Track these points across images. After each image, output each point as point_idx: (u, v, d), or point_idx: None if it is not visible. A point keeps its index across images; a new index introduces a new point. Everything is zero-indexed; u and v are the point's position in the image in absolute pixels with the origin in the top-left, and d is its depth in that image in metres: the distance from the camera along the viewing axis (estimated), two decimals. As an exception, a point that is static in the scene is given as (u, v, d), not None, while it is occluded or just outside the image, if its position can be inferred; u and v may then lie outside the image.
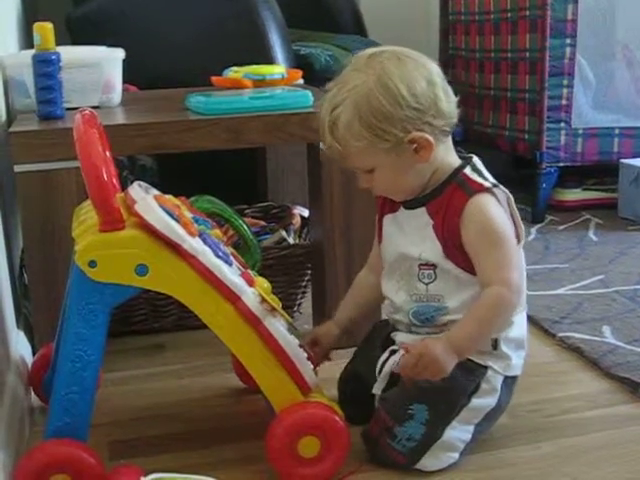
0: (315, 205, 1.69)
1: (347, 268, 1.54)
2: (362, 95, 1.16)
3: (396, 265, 1.28)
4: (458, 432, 1.23)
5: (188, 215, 1.21)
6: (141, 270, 1.12)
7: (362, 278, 1.39)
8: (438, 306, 1.24)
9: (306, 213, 1.95)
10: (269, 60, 2.11)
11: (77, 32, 2.19)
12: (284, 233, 1.91)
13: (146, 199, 1.15)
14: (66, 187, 1.44)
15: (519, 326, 1.28)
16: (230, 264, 1.19)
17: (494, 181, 1.24)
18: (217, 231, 1.28)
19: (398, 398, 1.23)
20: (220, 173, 2.09)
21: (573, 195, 2.67)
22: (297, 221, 1.98)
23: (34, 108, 1.55)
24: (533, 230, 2.47)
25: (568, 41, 2.46)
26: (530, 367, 1.40)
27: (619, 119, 2.57)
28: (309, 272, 1.81)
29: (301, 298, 1.86)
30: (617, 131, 2.56)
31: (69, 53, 1.59)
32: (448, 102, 1.20)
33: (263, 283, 1.23)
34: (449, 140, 1.24)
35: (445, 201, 1.21)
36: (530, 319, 1.72)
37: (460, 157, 1.26)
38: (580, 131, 2.53)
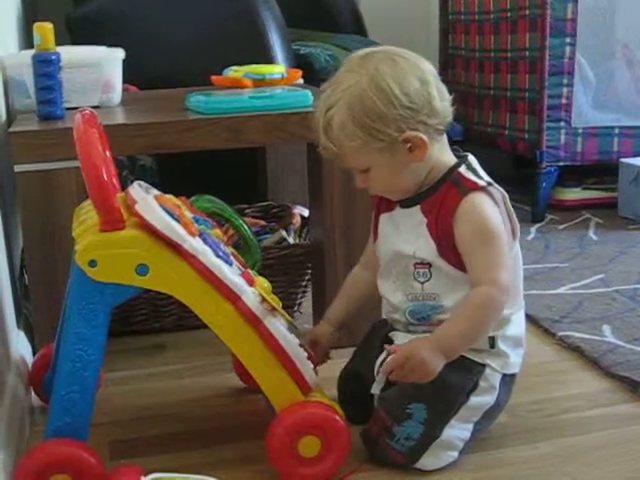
0: (315, 205, 1.69)
1: (347, 268, 1.54)
2: (355, 95, 1.17)
3: (391, 264, 1.28)
4: (457, 431, 1.24)
5: (188, 215, 1.21)
6: (141, 270, 1.12)
7: (356, 274, 1.40)
8: (434, 305, 1.24)
9: (306, 213, 1.95)
10: (269, 60, 2.11)
11: (77, 32, 2.19)
12: (284, 233, 1.91)
13: (146, 199, 1.15)
14: (66, 187, 1.44)
15: (517, 324, 1.28)
16: (230, 264, 1.19)
17: (489, 180, 1.24)
18: (217, 231, 1.28)
19: (396, 397, 1.23)
20: (220, 173, 2.09)
21: (573, 194, 2.67)
22: (297, 221, 1.98)
23: (34, 108, 1.55)
24: (533, 229, 2.47)
25: (568, 40, 2.46)
26: (530, 366, 1.40)
27: (619, 118, 2.58)
28: (309, 272, 1.81)
29: (301, 298, 1.86)
30: (617, 130, 2.56)
31: (69, 53, 1.59)
32: (442, 101, 1.20)
33: (263, 283, 1.23)
34: (444, 139, 1.24)
35: (439, 199, 1.22)
36: (530, 318, 1.73)
37: (456, 156, 1.26)
38: (580, 130, 2.53)
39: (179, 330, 1.77)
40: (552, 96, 2.48)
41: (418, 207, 1.24)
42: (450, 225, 1.20)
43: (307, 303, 1.83)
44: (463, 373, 1.23)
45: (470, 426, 1.25)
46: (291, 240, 1.91)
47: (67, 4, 2.37)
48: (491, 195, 1.21)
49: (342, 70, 1.21)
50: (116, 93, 1.70)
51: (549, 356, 1.63)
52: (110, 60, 1.69)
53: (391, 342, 1.29)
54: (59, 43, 1.55)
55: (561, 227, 2.50)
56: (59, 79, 1.52)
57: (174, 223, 1.13)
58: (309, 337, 1.35)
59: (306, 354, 1.20)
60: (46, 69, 1.50)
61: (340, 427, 1.19)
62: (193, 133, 1.50)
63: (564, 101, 2.49)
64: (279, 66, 1.86)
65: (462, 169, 1.23)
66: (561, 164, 2.54)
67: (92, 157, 1.09)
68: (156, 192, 1.25)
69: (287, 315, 1.24)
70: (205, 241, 1.16)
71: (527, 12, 2.51)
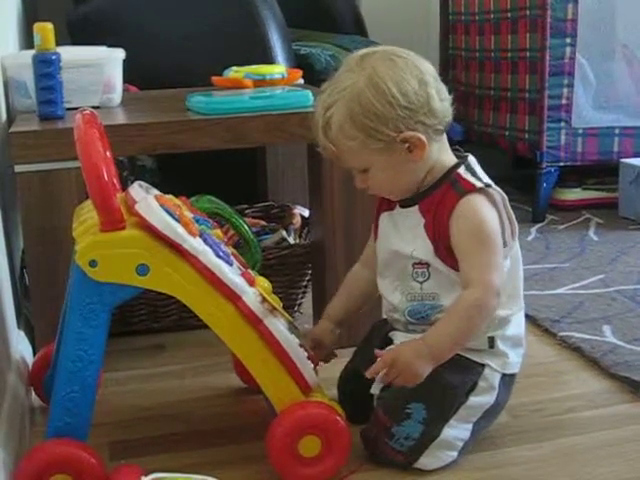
0: (315, 205, 1.69)
1: (348, 268, 1.54)
2: (353, 95, 1.17)
3: (390, 263, 1.28)
4: (456, 431, 1.24)
5: (189, 215, 1.21)
6: (142, 270, 1.12)
7: (356, 272, 1.40)
8: (433, 304, 1.24)
9: (306, 213, 1.95)
10: (269, 60, 2.11)
11: (77, 32, 2.19)
12: (284, 233, 1.91)
13: (147, 199, 1.15)
14: (66, 187, 1.44)
15: (516, 324, 1.28)
16: (231, 264, 1.19)
17: (488, 181, 1.23)
18: (218, 231, 1.28)
19: (395, 397, 1.23)
20: (220, 173, 2.09)
21: (573, 195, 2.68)
22: (297, 221, 1.98)
23: (34, 108, 1.55)
24: (533, 230, 2.47)
25: (568, 41, 2.46)
26: (530, 366, 1.40)
27: (619, 119, 2.58)
28: (309, 272, 1.81)
29: (301, 298, 1.86)
30: (617, 131, 2.56)
31: (69, 53, 1.59)
32: (441, 101, 1.20)
33: (264, 283, 1.23)
34: (443, 139, 1.24)
35: (437, 200, 1.22)
36: (530, 319, 1.73)
37: (456, 156, 1.26)
38: (580, 131, 2.53)
39: (179, 330, 1.77)
40: (552, 96, 2.48)
41: (417, 207, 1.24)
42: (446, 226, 1.20)
43: (307, 303, 1.83)
44: (462, 373, 1.23)
45: (469, 426, 1.25)
46: (291, 240, 1.91)
47: (67, 4, 2.37)
48: (489, 197, 1.21)
49: (341, 70, 1.21)
50: (116, 93, 1.70)
51: (549, 356, 1.63)
52: (110, 60, 1.69)
53: (391, 342, 1.29)
54: (59, 43, 1.55)
55: (561, 227, 2.50)
56: (59, 79, 1.52)
57: (174, 223, 1.13)
58: (311, 337, 1.35)
59: (306, 354, 1.20)
60: (46, 69, 1.50)
61: (340, 427, 1.19)
62: (193, 133, 1.50)
63: (564, 101, 2.49)
64: (279, 66, 1.86)
65: (461, 170, 1.23)
66: (561, 164, 2.54)
67: (92, 157, 1.09)
68: (156, 192, 1.25)
69: (287, 315, 1.24)
70: (205, 241, 1.16)
71: (527, 12, 2.51)
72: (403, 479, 1.22)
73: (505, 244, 1.22)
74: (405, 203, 1.26)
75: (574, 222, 2.54)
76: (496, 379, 1.25)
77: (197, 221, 1.22)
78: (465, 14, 2.89)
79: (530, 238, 2.39)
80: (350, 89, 1.17)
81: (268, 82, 1.74)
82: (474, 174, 1.23)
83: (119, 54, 1.71)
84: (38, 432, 1.33)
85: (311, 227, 1.81)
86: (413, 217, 1.24)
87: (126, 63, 1.72)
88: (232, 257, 1.23)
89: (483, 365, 1.25)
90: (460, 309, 1.18)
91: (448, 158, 1.25)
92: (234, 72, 1.78)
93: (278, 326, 1.17)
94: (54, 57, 1.51)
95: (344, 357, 1.40)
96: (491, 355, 1.25)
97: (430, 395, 1.21)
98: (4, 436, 1.17)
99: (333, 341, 1.36)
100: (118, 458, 1.28)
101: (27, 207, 1.45)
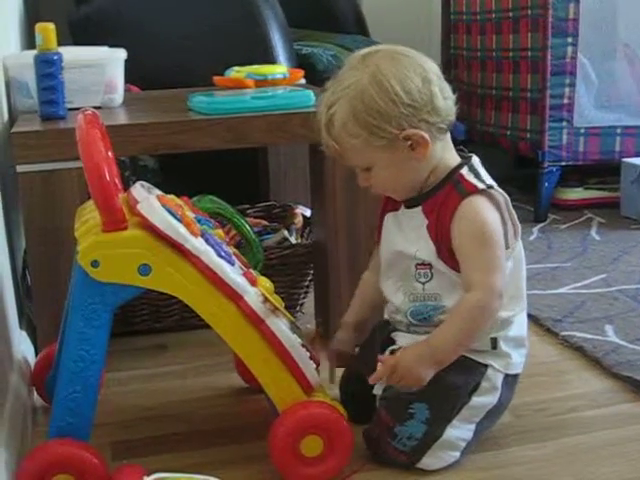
0: (317, 204, 1.69)
1: (350, 267, 1.54)
2: (357, 93, 1.17)
3: (393, 263, 1.28)
4: (459, 431, 1.24)
5: (190, 215, 1.21)
6: (144, 270, 1.12)
7: (366, 279, 1.40)
8: (435, 305, 1.24)
9: (308, 212, 1.95)
10: (271, 60, 2.11)
11: (79, 32, 2.19)
12: (286, 233, 1.91)
13: (149, 199, 1.15)
14: (68, 187, 1.44)
15: (519, 325, 1.28)
16: (232, 264, 1.19)
17: (491, 182, 1.23)
18: (219, 231, 1.28)
19: (398, 397, 1.23)
20: (222, 173, 2.08)
21: (575, 194, 2.67)
22: (299, 221, 1.98)
23: (36, 108, 1.55)
24: (535, 229, 2.47)
25: (570, 40, 2.46)
26: (532, 366, 1.40)
27: (621, 118, 2.57)
28: (311, 272, 1.81)
29: (303, 298, 1.86)
30: (619, 130, 2.56)
31: (71, 53, 1.59)
32: (444, 99, 1.20)
33: (265, 283, 1.23)
34: (447, 138, 1.24)
35: (439, 201, 1.21)
36: (532, 318, 1.73)
37: (460, 156, 1.26)
38: (582, 130, 2.53)
39: (181, 330, 1.77)
40: (554, 96, 2.48)
41: (420, 208, 1.24)
42: (448, 227, 1.20)
43: (309, 303, 1.82)
44: (465, 373, 1.23)
45: (472, 426, 1.25)
46: (293, 240, 1.91)
47: (69, 5, 2.37)
48: (491, 198, 1.21)
49: (345, 68, 1.21)
50: (118, 93, 1.70)
51: (551, 356, 1.63)
52: (112, 60, 1.69)
53: (393, 343, 1.29)
54: (61, 43, 1.55)
55: (563, 227, 2.50)
56: (61, 79, 1.52)
57: (176, 223, 1.13)
58: (331, 349, 1.35)
59: (308, 354, 1.20)
60: (48, 69, 1.50)
61: (343, 427, 1.19)
62: (195, 133, 1.50)
63: (566, 101, 2.49)
64: (281, 66, 1.86)
65: (464, 171, 1.23)
66: (563, 164, 2.54)
67: (94, 157, 1.09)
68: (158, 192, 1.25)
69: (289, 315, 1.24)
70: (207, 241, 1.16)
71: (529, 12, 2.51)
72: (405, 479, 1.22)
73: (507, 246, 1.22)
74: (410, 204, 1.26)
75: (576, 222, 2.54)
76: (499, 380, 1.25)
77: (199, 221, 1.22)
78: (467, 14, 2.89)
79: (532, 238, 2.39)
80: (353, 87, 1.17)
81: (270, 82, 1.74)
82: (477, 175, 1.23)
83: (121, 54, 1.71)
84: (40, 432, 1.33)
85: (313, 227, 1.81)
86: (417, 218, 1.24)
87: (128, 63, 1.72)
88: (234, 257, 1.23)
89: (486, 366, 1.24)
90: (463, 311, 1.18)
91: (452, 158, 1.25)
92: (236, 72, 1.78)
93: (280, 326, 1.17)
94: (56, 57, 1.51)
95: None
96: (494, 356, 1.25)
97: (433, 395, 1.21)
98: (6, 436, 1.17)
99: (353, 349, 1.36)
100: (120, 458, 1.28)
101: (29, 207, 1.45)
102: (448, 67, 3.00)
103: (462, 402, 1.23)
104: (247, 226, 1.48)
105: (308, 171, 1.73)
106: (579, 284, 1.98)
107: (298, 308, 1.85)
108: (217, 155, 1.62)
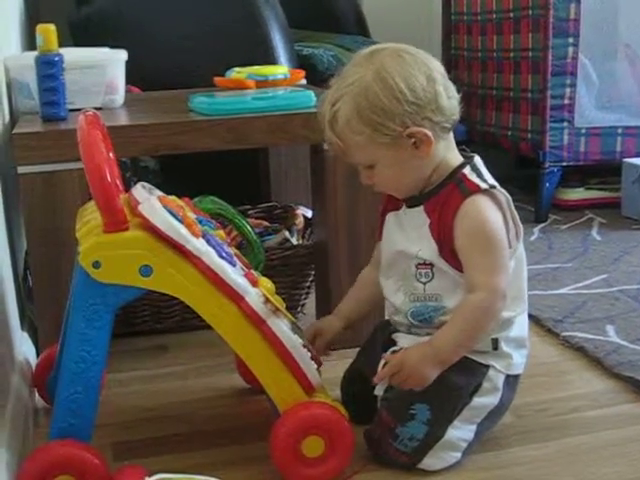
0: (318, 205, 1.69)
1: (351, 268, 1.54)
2: (361, 90, 1.17)
3: (394, 263, 1.28)
4: (460, 431, 1.24)
5: (192, 216, 1.21)
6: (145, 271, 1.12)
7: (365, 274, 1.40)
8: (436, 306, 1.24)
9: (309, 213, 1.95)
10: (272, 61, 2.11)
11: (80, 34, 2.19)
12: (287, 233, 1.92)
13: (150, 200, 1.15)
14: (69, 188, 1.44)
15: (520, 326, 1.28)
16: (234, 265, 1.19)
17: (493, 182, 1.23)
18: (220, 232, 1.28)
19: (400, 398, 1.23)
20: (223, 174, 2.09)
21: (576, 194, 2.67)
22: (300, 221, 1.98)
23: (37, 109, 1.55)
24: (536, 230, 2.47)
25: (571, 40, 2.46)
26: (534, 367, 1.40)
27: (622, 118, 2.57)
28: (312, 272, 1.81)
29: (305, 299, 1.86)
30: (620, 130, 2.56)
31: (72, 54, 1.59)
32: (449, 98, 1.20)
33: (267, 283, 1.23)
34: (450, 137, 1.24)
35: (442, 200, 1.21)
36: (533, 318, 1.73)
37: (463, 156, 1.26)
38: (583, 130, 2.53)
39: (182, 331, 1.77)
40: (555, 96, 2.48)
41: (422, 207, 1.24)
42: (451, 227, 1.19)
43: (310, 304, 1.82)
44: (466, 374, 1.23)
45: (473, 427, 1.25)
46: (294, 241, 1.91)
47: (70, 6, 2.37)
48: (493, 198, 1.21)
49: (349, 65, 1.22)
50: (119, 94, 1.70)
51: (552, 356, 1.63)
52: (113, 61, 1.69)
53: (394, 343, 1.29)
54: (62, 45, 1.55)
55: (564, 227, 2.50)
56: (62, 80, 1.52)
57: (177, 224, 1.13)
58: (312, 329, 1.35)
59: (310, 354, 1.20)
60: (49, 71, 1.50)
61: (344, 427, 1.19)
62: (196, 134, 1.50)
63: (567, 101, 2.49)
64: (282, 67, 1.86)
65: (466, 170, 1.23)
66: (564, 164, 2.54)
67: (95, 158, 1.09)
68: (159, 193, 1.25)
69: (290, 316, 1.24)
70: (208, 242, 1.16)
71: (530, 12, 2.51)
72: (407, 480, 1.23)
73: (509, 246, 1.22)
74: (411, 203, 1.26)
75: (577, 222, 2.54)
76: (500, 380, 1.25)
77: (200, 222, 1.22)
78: (467, 14, 2.89)
79: (533, 238, 2.39)
80: (357, 83, 1.17)
81: (270, 83, 1.74)
82: (479, 175, 1.23)
83: (121, 55, 1.71)
84: (41, 433, 1.33)
85: (314, 228, 1.81)
86: (419, 217, 1.24)
87: (128, 64, 1.72)
88: (235, 258, 1.23)
89: (487, 366, 1.24)
90: (466, 312, 1.18)
91: (454, 157, 1.25)
92: (236, 73, 1.78)
93: (281, 326, 1.17)
94: (57, 58, 1.51)
95: (348, 357, 1.40)
96: (495, 356, 1.25)
97: (434, 396, 1.21)
98: (8, 437, 1.17)
99: (334, 334, 1.35)
100: (121, 459, 1.28)
101: (30, 208, 1.45)
102: (449, 67, 2.97)
103: (463, 403, 1.23)
104: (248, 227, 1.48)
105: (309, 172, 1.73)
106: (580, 284, 1.98)
107: (299, 309, 1.85)
108: (218, 156, 1.62)
